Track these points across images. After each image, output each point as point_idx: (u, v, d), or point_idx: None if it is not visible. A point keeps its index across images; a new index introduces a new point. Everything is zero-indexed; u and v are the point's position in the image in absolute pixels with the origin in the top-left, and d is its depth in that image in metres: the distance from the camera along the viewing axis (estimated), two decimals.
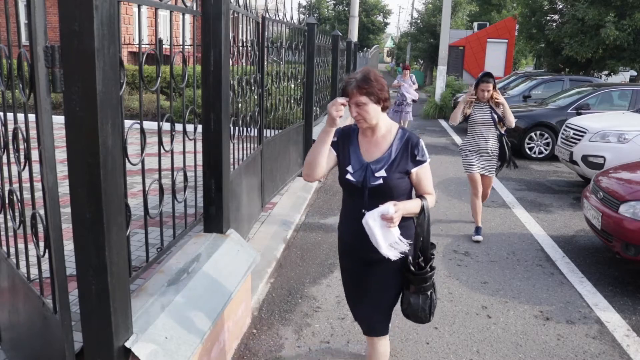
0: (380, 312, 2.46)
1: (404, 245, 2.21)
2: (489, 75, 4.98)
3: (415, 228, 2.30)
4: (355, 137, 2.35)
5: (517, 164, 5.30)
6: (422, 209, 2.26)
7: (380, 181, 2.22)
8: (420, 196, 2.31)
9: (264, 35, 4.90)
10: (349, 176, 2.28)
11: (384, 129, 2.28)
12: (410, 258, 2.31)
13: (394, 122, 2.31)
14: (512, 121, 4.95)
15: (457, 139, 11.81)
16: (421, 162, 2.27)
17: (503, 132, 5.05)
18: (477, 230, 5.24)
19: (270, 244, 4.67)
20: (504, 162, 5.15)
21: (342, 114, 2.15)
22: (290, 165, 6.49)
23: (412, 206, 2.23)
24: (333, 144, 2.32)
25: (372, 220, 2.11)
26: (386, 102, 2.21)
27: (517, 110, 10.35)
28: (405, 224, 2.27)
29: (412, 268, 2.30)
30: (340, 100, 2.14)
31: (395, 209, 2.10)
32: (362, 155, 2.30)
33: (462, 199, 6.70)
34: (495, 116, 4.98)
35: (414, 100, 12.46)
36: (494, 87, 4.97)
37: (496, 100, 4.95)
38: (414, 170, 2.27)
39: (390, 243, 2.17)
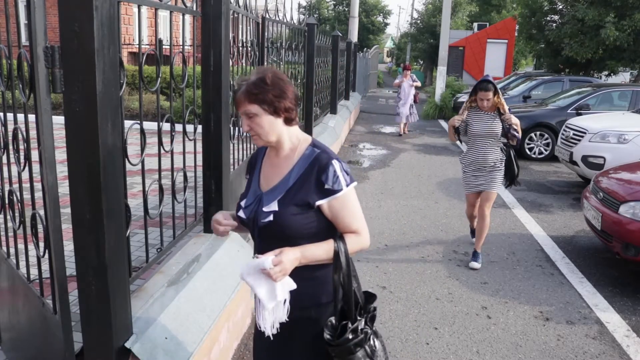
0: None
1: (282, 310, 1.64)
2: (487, 81, 4.21)
3: (332, 279, 1.67)
4: (261, 158, 1.82)
5: (520, 182, 4.62)
6: (337, 255, 1.64)
7: (270, 218, 1.64)
8: (339, 237, 1.68)
9: (264, 36, 4.90)
10: (240, 212, 1.75)
11: (288, 148, 1.71)
12: (330, 321, 1.68)
13: (306, 135, 1.76)
14: (517, 140, 4.25)
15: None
16: (333, 192, 1.63)
17: (513, 143, 4.30)
18: (474, 233, 4.94)
19: None
20: (511, 180, 4.49)
21: (226, 232, 1.78)
22: None
23: (315, 253, 1.63)
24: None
25: (247, 276, 1.58)
26: (289, 112, 1.65)
27: (517, 110, 10.37)
28: (317, 274, 1.69)
29: (326, 335, 1.65)
30: (221, 221, 1.75)
31: (276, 260, 1.54)
32: (259, 183, 1.76)
33: (462, 199, 6.69)
34: (499, 128, 4.27)
35: (415, 102, 12.44)
36: (496, 94, 4.22)
37: (508, 120, 4.21)
38: (322, 203, 1.64)
39: (279, 301, 1.61)
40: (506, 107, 4.27)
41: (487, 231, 4.55)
